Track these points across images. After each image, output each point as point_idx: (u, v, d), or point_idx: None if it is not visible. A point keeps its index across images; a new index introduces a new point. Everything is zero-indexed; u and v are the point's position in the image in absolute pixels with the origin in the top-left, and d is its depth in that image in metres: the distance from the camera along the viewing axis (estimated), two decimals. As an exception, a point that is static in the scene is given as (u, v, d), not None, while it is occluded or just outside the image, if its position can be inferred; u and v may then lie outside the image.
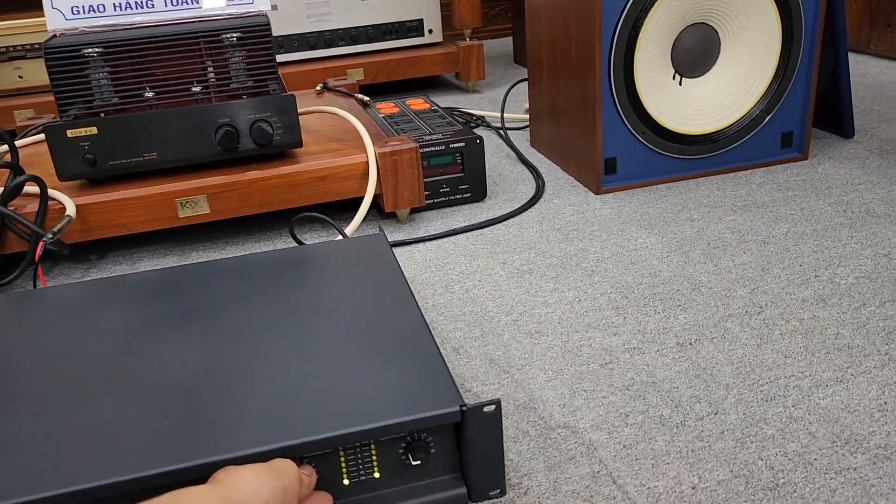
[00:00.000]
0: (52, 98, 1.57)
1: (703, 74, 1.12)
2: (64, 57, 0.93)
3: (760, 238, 0.94)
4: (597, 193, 1.12)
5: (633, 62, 1.06)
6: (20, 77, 1.57)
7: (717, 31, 1.10)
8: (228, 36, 0.98)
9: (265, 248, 1.03)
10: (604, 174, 1.12)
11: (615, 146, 1.11)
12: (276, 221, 1.11)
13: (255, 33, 0.98)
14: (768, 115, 1.14)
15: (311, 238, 1.05)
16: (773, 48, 1.11)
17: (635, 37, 1.05)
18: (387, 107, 1.31)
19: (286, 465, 0.47)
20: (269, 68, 0.99)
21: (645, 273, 0.88)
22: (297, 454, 0.52)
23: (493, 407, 0.53)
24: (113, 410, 0.55)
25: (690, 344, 0.73)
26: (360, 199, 1.03)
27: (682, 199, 1.08)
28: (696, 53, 1.10)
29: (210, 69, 0.99)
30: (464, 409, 0.53)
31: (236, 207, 0.99)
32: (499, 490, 0.56)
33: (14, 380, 0.60)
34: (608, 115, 1.08)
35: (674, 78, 1.11)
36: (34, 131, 1.24)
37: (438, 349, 0.59)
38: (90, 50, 0.93)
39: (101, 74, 0.95)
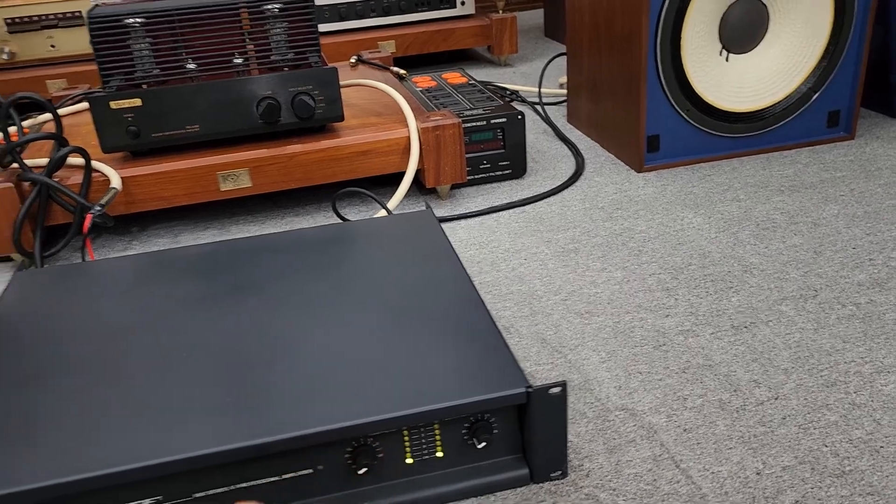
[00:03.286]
0: (84, 68, 1.56)
1: (750, 51, 1.10)
2: (107, 26, 0.92)
3: (811, 220, 0.92)
4: (638, 171, 1.11)
5: (680, 37, 1.04)
6: (52, 46, 1.56)
7: (766, 7, 1.07)
8: (270, 7, 0.96)
9: (304, 222, 1.02)
10: (646, 152, 1.10)
11: (658, 123, 1.09)
12: (314, 196, 1.10)
13: (298, 4, 0.96)
14: (816, 93, 1.12)
15: (351, 213, 1.04)
16: (823, 25, 1.08)
17: (683, 11, 1.02)
18: (423, 80, 1.29)
19: None
20: (311, 40, 0.98)
21: (693, 254, 0.86)
22: (362, 433, 0.52)
23: (558, 389, 0.53)
24: (173, 386, 0.55)
25: (745, 327, 0.72)
26: (397, 174, 1.02)
27: (727, 178, 1.06)
28: (744, 29, 1.08)
29: (252, 41, 0.97)
30: (529, 390, 0.52)
31: (277, 181, 0.99)
32: (560, 472, 0.56)
33: (72, 353, 0.60)
34: (652, 92, 1.06)
35: (720, 54, 1.08)
36: (70, 101, 1.23)
37: (498, 329, 0.59)
38: (133, 20, 0.92)
39: (143, 45, 0.94)
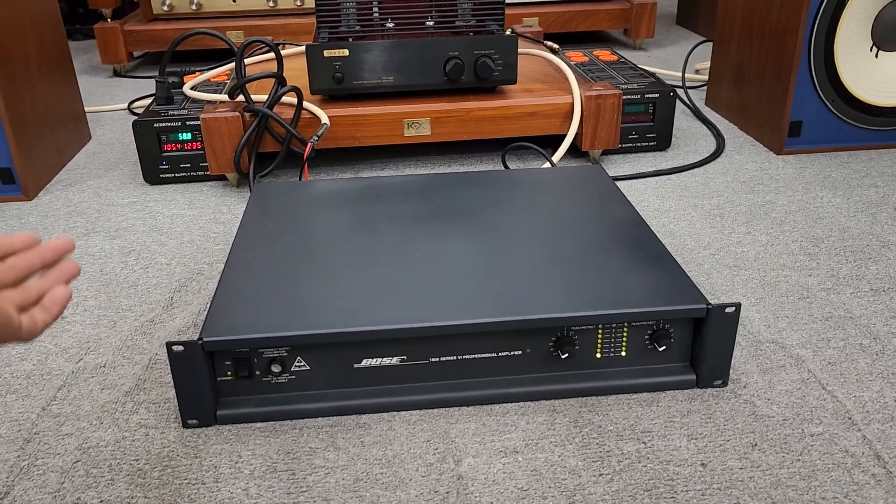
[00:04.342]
0: (259, 23, 1.73)
1: (900, 49, 1.16)
2: (326, -15, 1.06)
3: (947, 209, 0.99)
4: (777, 154, 1.19)
5: (834, 32, 1.11)
6: (234, 1, 1.74)
7: (921, 8, 1.13)
8: (463, -23, 1.09)
9: (470, 170, 1.15)
10: (787, 136, 1.18)
11: (802, 111, 1.16)
12: (471, 149, 1.23)
13: (488, -23, 1.08)
14: (960, 94, 1.17)
15: (511, 166, 1.16)
16: (976, 29, 1.13)
17: (841, 8, 1.09)
18: (576, 55, 1.40)
19: None
20: (497, 10, 1.10)
21: (833, 228, 0.95)
22: (567, 325, 0.64)
23: (733, 308, 0.64)
24: (414, 274, 0.68)
25: (884, 291, 0.81)
26: (551, 137, 1.13)
27: (865, 166, 1.13)
28: (896, 28, 1.14)
29: (443, 6, 1.10)
30: (709, 307, 0.63)
31: (453, 132, 1.12)
32: (721, 381, 0.67)
33: (323, 244, 0.74)
34: (801, 81, 1.14)
35: (871, 50, 1.15)
36: (260, 51, 1.40)
37: (675, 259, 0.70)
38: (347, -19, 1.07)
39: (352, 3, 1.08)
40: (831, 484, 0.56)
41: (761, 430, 0.62)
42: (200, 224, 1.01)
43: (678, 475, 0.57)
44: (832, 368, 0.69)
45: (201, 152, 1.11)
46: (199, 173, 1.13)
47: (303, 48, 1.42)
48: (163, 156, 1.11)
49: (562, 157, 1.17)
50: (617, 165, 1.16)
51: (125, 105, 1.52)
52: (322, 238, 0.76)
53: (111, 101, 1.58)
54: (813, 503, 0.54)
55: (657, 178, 1.12)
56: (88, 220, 1.02)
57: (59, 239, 0.48)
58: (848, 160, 1.16)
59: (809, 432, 0.61)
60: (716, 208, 1.01)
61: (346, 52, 1.07)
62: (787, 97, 1.15)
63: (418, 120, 1.10)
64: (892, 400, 0.64)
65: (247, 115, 1.07)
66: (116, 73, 1.78)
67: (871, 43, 1.14)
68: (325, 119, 1.06)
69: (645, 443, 0.60)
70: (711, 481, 0.56)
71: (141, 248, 0.95)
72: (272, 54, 1.37)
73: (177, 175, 1.13)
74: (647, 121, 1.19)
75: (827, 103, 1.16)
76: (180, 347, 0.60)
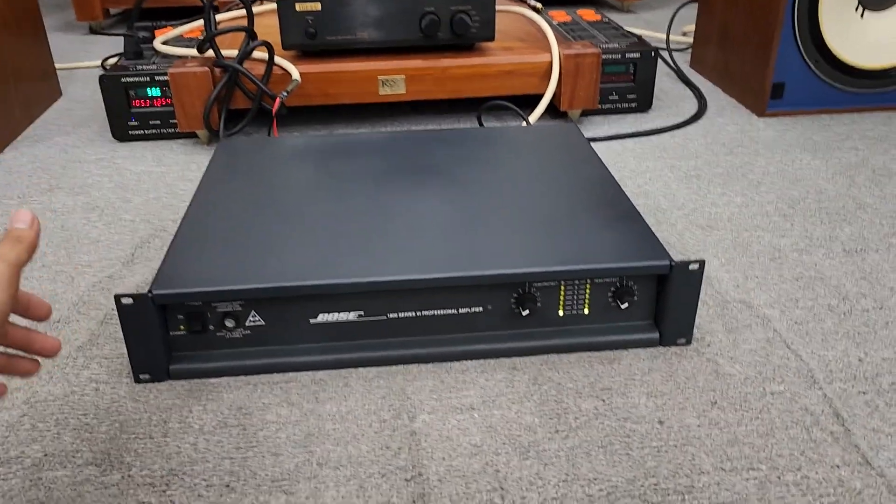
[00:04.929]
0: (239, -21, 1.69)
1: (886, 8, 1.13)
2: (297, -64, 1.03)
3: (927, 172, 0.97)
4: (760, 116, 1.17)
5: (819, -10, 1.08)
6: (212, -43, 1.70)
7: (909, -33, 1.10)
8: (439, -70, 1.05)
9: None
10: (770, 98, 1.16)
11: (785, 72, 1.14)
12: (449, 109, 1.21)
13: (465, -71, 1.05)
14: (947, 57, 1.15)
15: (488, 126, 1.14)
16: (965, -11, 1.10)
17: (827, -36, 1.07)
18: (559, 14, 1.37)
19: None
20: (473, -37, 1.07)
21: (810, 189, 0.93)
22: (528, 280, 0.63)
23: (697, 265, 0.62)
24: (377, 230, 0.67)
25: (856, 252, 0.80)
26: (529, 97, 1.11)
27: (847, 129, 1.11)
28: (883, -13, 1.11)
29: (419, -40, 1.07)
30: (672, 263, 0.62)
31: (429, 90, 1.09)
32: (685, 340, 0.66)
33: (287, 200, 0.73)
34: (785, 42, 1.11)
35: (856, 10, 1.12)
36: (236, 6, 1.36)
37: (642, 216, 0.69)
38: (319, -68, 1.03)
39: (325, -45, 1.05)
40: (788, 441, 0.55)
41: (722, 388, 0.61)
42: (168, 181, 0.99)
43: (634, 432, 0.56)
44: (798, 328, 0.68)
45: (171, 109, 1.09)
46: (169, 130, 1.10)
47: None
48: (131, 112, 1.08)
49: (540, 117, 1.15)
50: (597, 126, 1.14)
51: (99, 62, 1.49)
52: (284, 193, 0.74)
53: (86, 59, 1.54)
54: (769, 460, 0.53)
55: (636, 139, 1.10)
56: (53, 176, 1.00)
57: (52, 339, 0.49)
58: (830, 122, 1.14)
59: (770, 391, 0.60)
60: (693, 170, 0.99)
61: (318, 7, 1.04)
62: (769, 59, 1.12)
63: (393, 77, 1.08)
64: (855, 359, 0.63)
65: (217, 70, 1.04)
66: (92, 31, 1.74)
67: (857, 2, 1.12)
68: (296, 75, 1.03)
69: (604, 400, 0.60)
70: (668, 438, 0.55)
71: (105, 204, 0.93)
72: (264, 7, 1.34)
73: (146, 132, 1.10)
74: (627, 81, 1.17)
75: (810, 65, 1.14)
76: (129, 300, 0.59)
